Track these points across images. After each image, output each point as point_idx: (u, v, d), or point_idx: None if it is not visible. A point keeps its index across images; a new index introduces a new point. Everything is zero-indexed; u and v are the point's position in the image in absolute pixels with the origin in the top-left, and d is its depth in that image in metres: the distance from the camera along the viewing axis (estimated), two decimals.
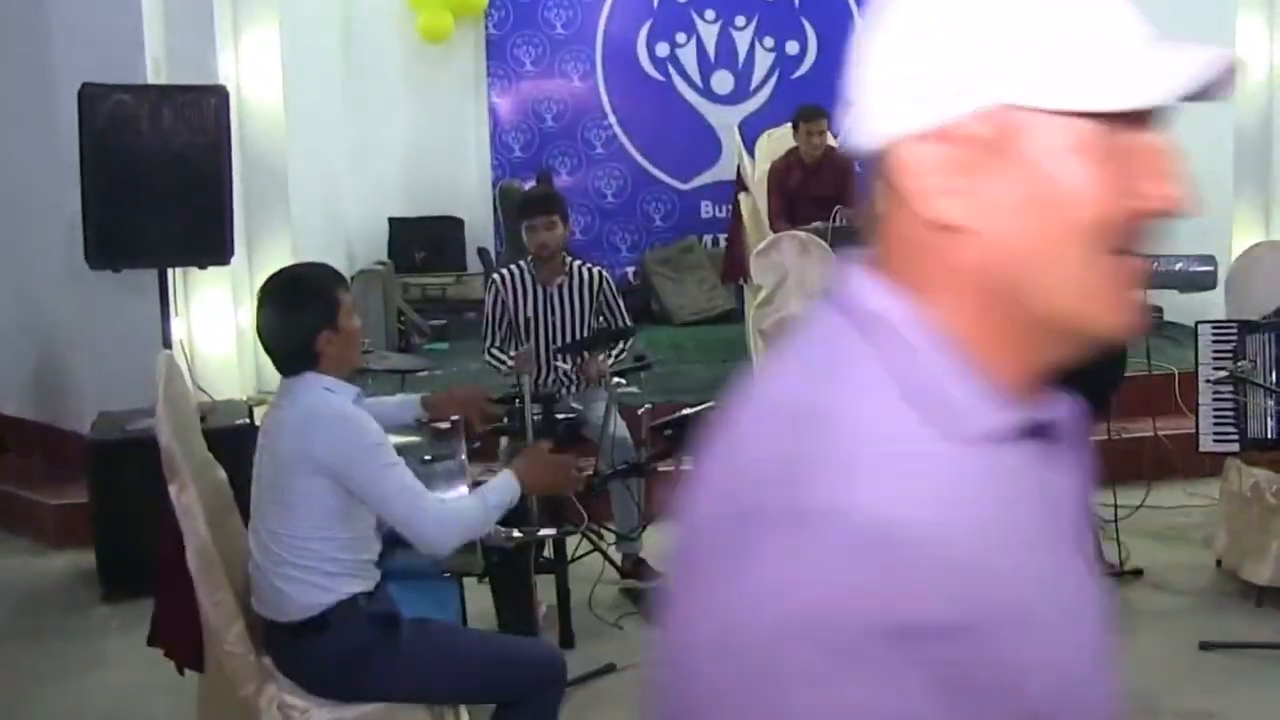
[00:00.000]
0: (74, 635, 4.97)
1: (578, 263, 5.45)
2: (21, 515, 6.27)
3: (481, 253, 9.38)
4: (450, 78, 9.59)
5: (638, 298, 9.46)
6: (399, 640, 3.01)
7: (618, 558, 5.23)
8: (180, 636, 3.09)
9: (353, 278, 8.02)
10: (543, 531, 3.65)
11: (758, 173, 7.98)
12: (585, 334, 5.36)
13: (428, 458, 3.38)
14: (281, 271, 3.12)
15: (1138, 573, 5.11)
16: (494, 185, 9.57)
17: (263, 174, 7.18)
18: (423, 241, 9.28)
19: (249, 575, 3.07)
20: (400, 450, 3.39)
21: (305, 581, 2.94)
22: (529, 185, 9.45)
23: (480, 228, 9.55)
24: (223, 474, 3.31)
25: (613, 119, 9.72)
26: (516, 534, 3.60)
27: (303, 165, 7.60)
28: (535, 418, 4.54)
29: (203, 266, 5.76)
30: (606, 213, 9.81)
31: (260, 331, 3.07)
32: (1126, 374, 6.66)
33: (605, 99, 9.70)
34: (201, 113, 5.50)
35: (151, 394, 2.97)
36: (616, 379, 4.90)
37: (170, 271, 5.77)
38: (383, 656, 2.99)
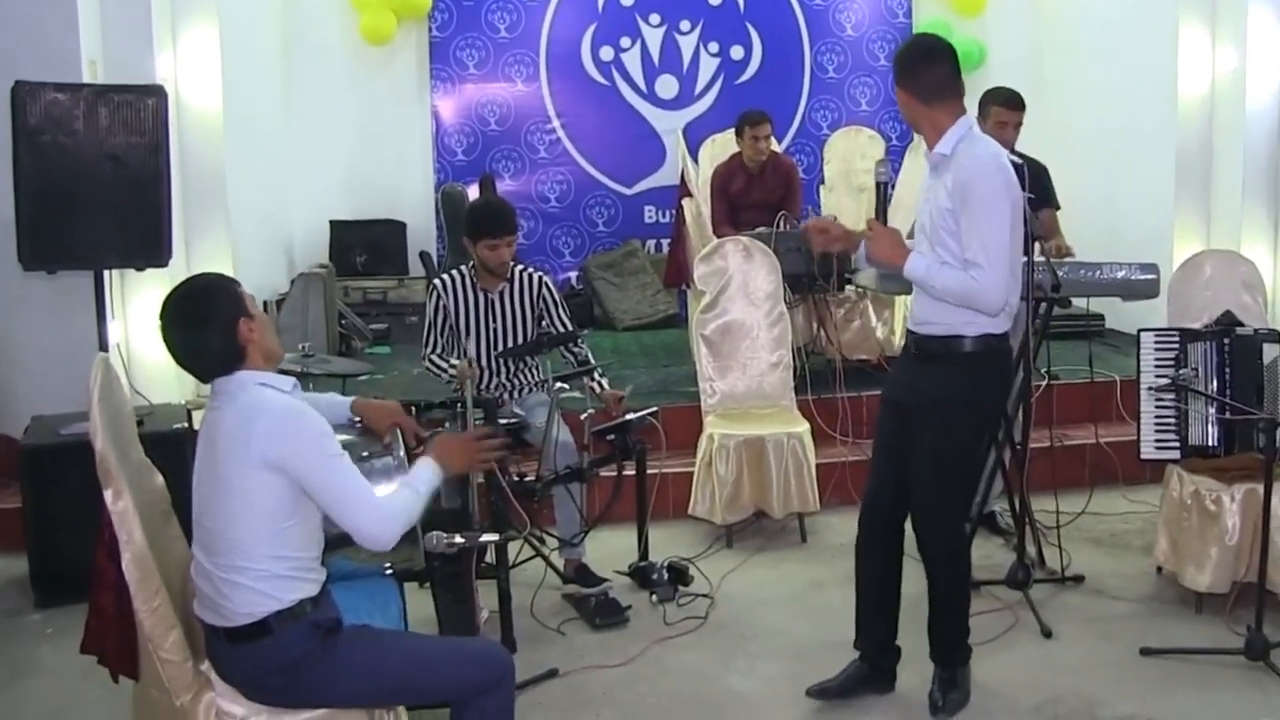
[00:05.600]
0: (5, 643, 4.87)
1: (519, 268, 5.42)
2: None
3: (423, 256, 9.32)
4: (393, 80, 9.53)
5: (580, 302, 9.47)
6: (340, 646, 2.98)
7: (560, 563, 5.21)
8: (113, 644, 3.03)
9: (293, 281, 7.96)
10: (484, 537, 3.60)
11: (701, 178, 8.00)
12: (527, 339, 5.34)
13: (365, 454, 3.35)
14: (174, 291, 3.07)
15: (1079, 579, 5.13)
16: (437, 189, 9.51)
17: (201, 176, 7.10)
18: (364, 245, 9.22)
19: (188, 580, 3.02)
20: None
21: (250, 587, 2.89)
22: (472, 189, 9.43)
23: (423, 231, 9.50)
24: (160, 479, 3.25)
25: (556, 123, 9.69)
26: (458, 539, 3.55)
27: (241, 167, 7.52)
28: (477, 422, 4.51)
29: (140, 268, 5.66)
30: (549, 217, 9.78)
31: (178, 348, 3.01)
32: (1065, 382, 6.77)
33: (549, 103, 9.67)
34: (139, 113, 5.41)
35: (86, 398, 2.91)
36: (559, 384, 4.87)
37: (107, 274, 5.67)
38: (323, 663, 2.95)
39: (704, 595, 5.11)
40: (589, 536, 5.23)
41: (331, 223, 9.26)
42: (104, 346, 5.53)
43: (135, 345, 6.70)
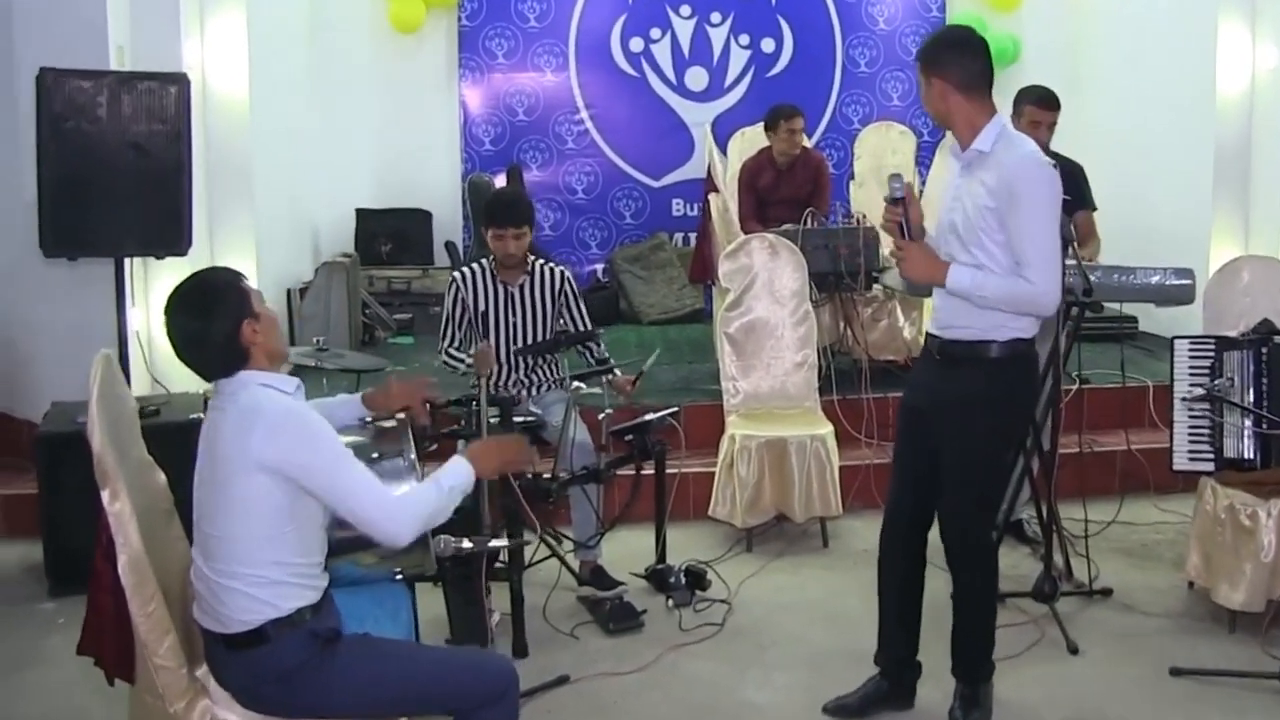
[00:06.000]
0: (16, 631, 4.84)
1: (540, 262, 5.35)
2: None
3: (449, 246, 9.26)
4: (421, 69, 9.47)
5: (606, 295, 9.40)
6: (338, 656, 2.91)
7: (576, 565, 5.14)
8: (110, 646, 2.97)
9: (316, 269, 7.91)
10: (493, 542, 3.54)
11: (730, 172, 7.90)
12: (546, 335, 5.27)
13: (375, 455, 3.28)
14: (179, 286, 3.01)
15: (1107, 592, 5.00)
16: (463, 178, 9.45)
17: (226, 163, 7.04)
18: (389, 234, 9.16)
19: (188, 583, 2.97)
20: (347, 448, 3.31)
21: (247, 593, 2.84)
22: (499, 179, 9.37)
23: (448, 221, 9.44)
24: (163, 478, 3.19)
25: (585, 114, 9.61)
26: (467, 544, 3.48)
27: (267, 155, 7.46)
28: (492, 420, 4.45)
29: (159, 257, 5.62)
30: (576, 209, 9.70)
31: (180, 345, 2.95)
32: (1097, 386, 6.64)
33: (578, 93, 9.59)
34: (162, 101, 5.38)
35: (91, 389, 2.85)
36: (576, 383, 4.80)
37: (129, 261, 5.64)
38: (321, 672, 2.89)
39: (721, 601, 5.02)
40: (606, 537, 5.16)
41: (357, 211, 9.20)
42: (123, 334, 5.50)
43: (157, 333, 6.66)
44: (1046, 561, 4.78)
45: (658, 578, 5.11)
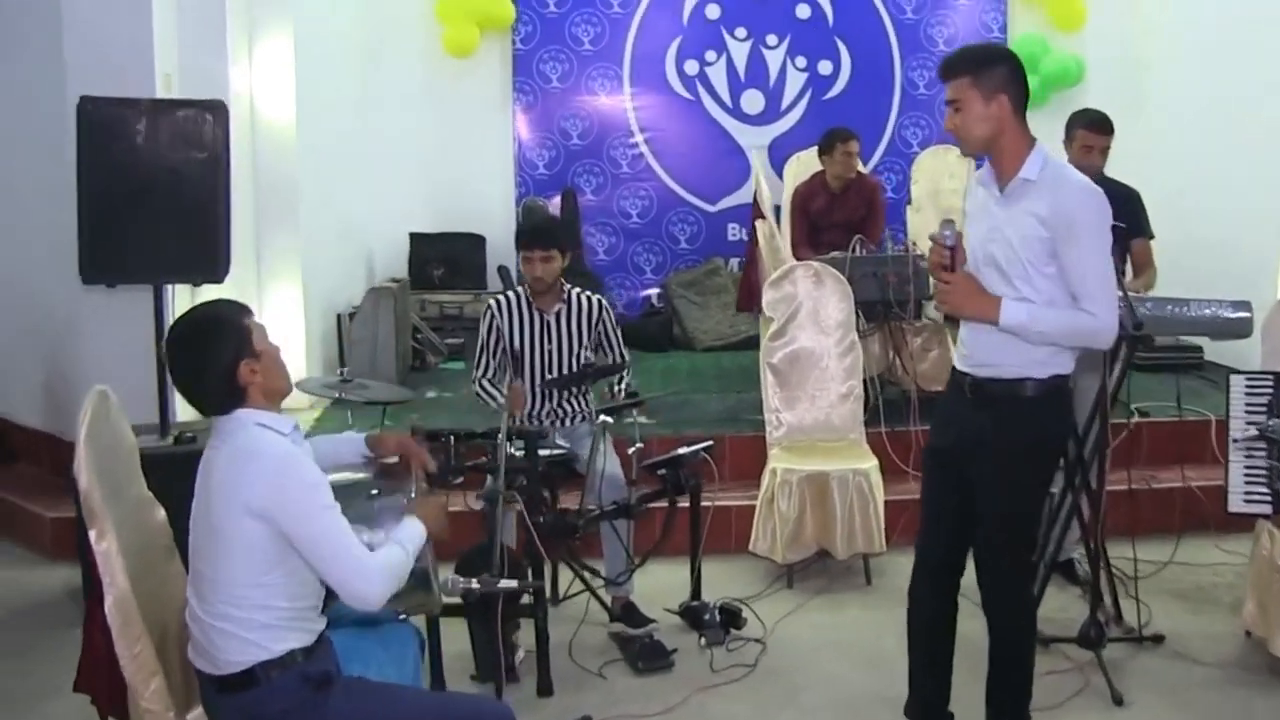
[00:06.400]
0: (50, 657, 4.80)
1: (576, 290, 5.27)
2: (22, 526, 6.19)
3: (502, 271, 9.21)
4: (475, 92, 9.43)
5: (660, 321, 9.31)
6: (331, 699, 2.84)
7: (609, 599, 5.03)
8: (104, 685, 2.93)
9: (365, 295, 7.89)
10: (502, 583, 3.44)
11: (784, 195, 7.78)
12: (580, 365, 5.18)
13: (374, 492, 3.22)
14: (180, 319, 2.96)
15: (1158, 639, 4.77)
16: (517, 202, 9.41)
17: (274, 188, 7.07)
18: (443, 258, 9.12)
19: (185, 624, 2.91)
20: (346, 485, 3.25)
21: (238, 635, 2.78)
22: (554, 203, 9.32)
23: (502, 245, 9.36)
24: (162, 514, 3.14)
25: (639, 137, 9.53)
26: (474, 584, 3.40)
27: (315, 179, 7.45)
28: (517, 454, 4.36)
29: (196, 284, 5.60)
30: (631, 233, 9.62)
31: (177, 381, 2.91)
32: (1155, 419, 6.42)
33: (632, 117, 9.51)
34: (200, 128, 5.36)
35: (79, 427, 2.80)
36: (604, 417, 4.69)
37: (171, 286, 5.64)
38: (312, 715, 2.82)
39: (756, 640, 4.89)
40: (642, 571, 5.04)
41: (411, 235, 9.19)
42: (162, 359, 5.49)
43: None
44: (1093, 605, 4.58)
45: (691, 615, 4.99)
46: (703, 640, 4.85)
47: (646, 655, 4.67)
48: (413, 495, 3.23)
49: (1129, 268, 5.44)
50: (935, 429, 3.87)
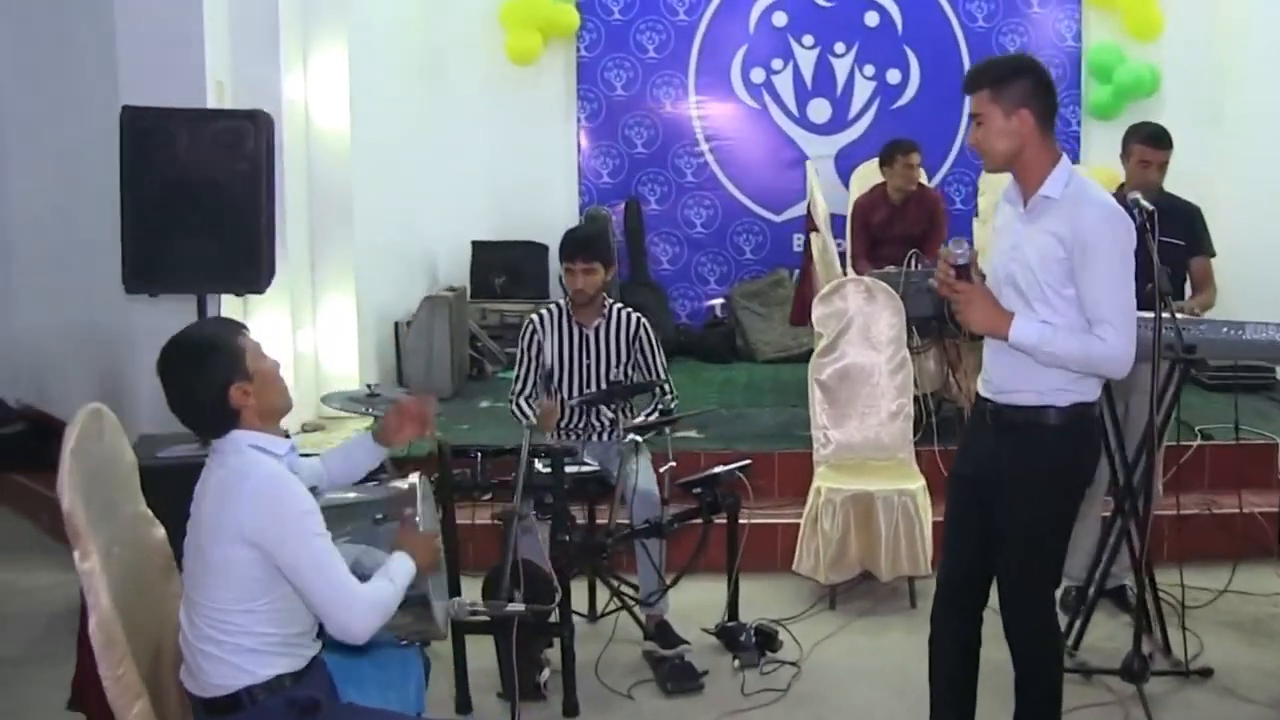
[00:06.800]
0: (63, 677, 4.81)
1: (618, 306, 5.20)
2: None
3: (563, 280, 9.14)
4: (538, 100, 9.38)
5: (723, 332, 9.21)
6: None
7: (647, 617, 4.95)
8: (95, 703, 2.89)
9: (420, 303, 7.88)
10: (510, 607, 3.36)
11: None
12: (619, 380, 5.11)
13: (379, 516, 3.17)
14: (170, 341, 2.91)
15: (1206, 673, 4.56)
16: (580, 211, 9.34)
17: (328, 196, 7.07)
18: (504, 266, 9.09)
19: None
20: (351, 504, 3.20)
21: (224, 660, 2.75)
22: (617, 210, 9.26)
23: None
24: (161, 533, 3.11)
25: (704, 146, 9.42)
26: (481, 608, 3.34)
27: (372, 187, 7.45)
28: (545, 470, 4.29)
29: (238, 294, 5.60)
30: (695, 243, 9.52)
31: (169, 403, 2.87)
32: (1218, 441, 6.18)
33: (697, 125, 9.41)
34: (242, 138, 5.34)
35: (65, 444, 2.77)
36: (633, 436, 4.61)
37: (219, 296, 5.66)
38: None
39: (791, 663, 4.78)
40: (683, 587, 4.94)
41: (474, 243, 9.17)
42: None
43: None
44: (1137, 636, 4.38)
45: (727, 635, 4.89)
46: (737, 662, 4.75)
47: (676, 677, 4.58)
48: (417, 517, 3.17)
49: (1187, 286, 5.26)
50: (959, 457, 3.74)
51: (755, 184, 9.45)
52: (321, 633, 2.97)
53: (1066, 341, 3.32)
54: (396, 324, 8.05)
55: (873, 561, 5.33)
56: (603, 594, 5.14)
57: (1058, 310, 3.35)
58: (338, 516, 3.12)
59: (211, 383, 2.82)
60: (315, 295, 7.14)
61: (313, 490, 3.22)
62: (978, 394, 3.63)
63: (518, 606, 3.36)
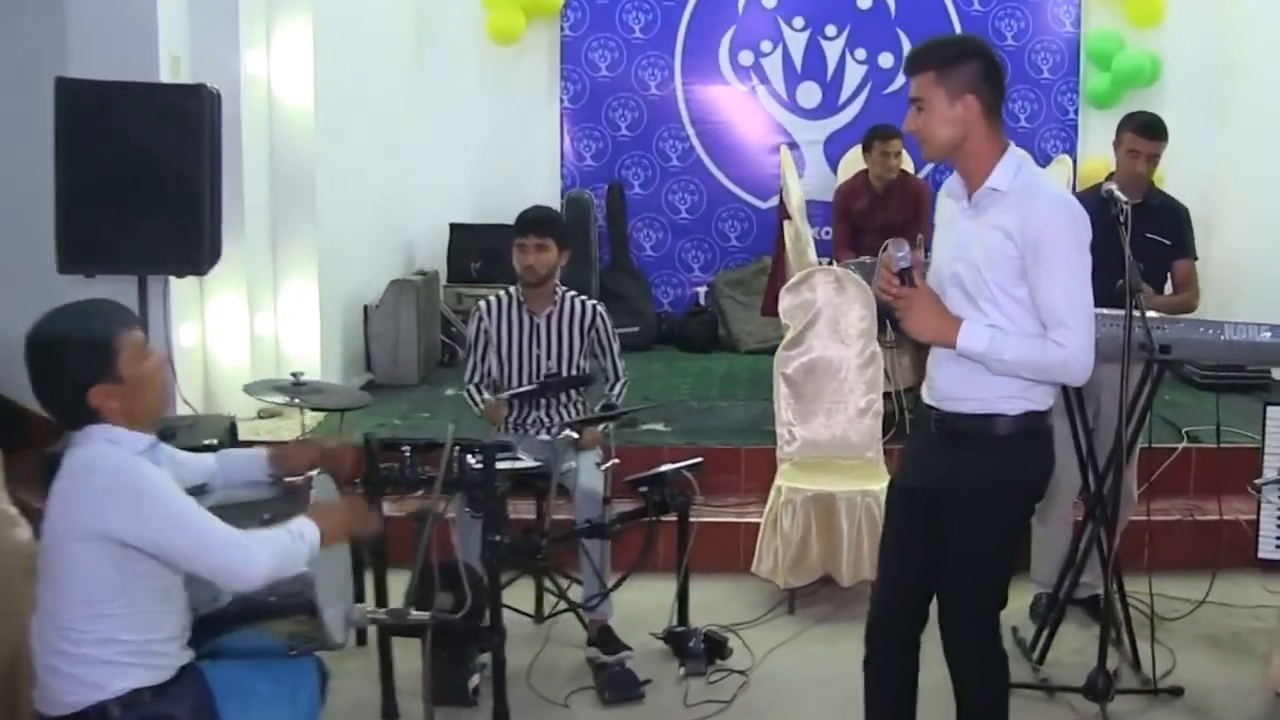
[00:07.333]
0: None
1: (571, 294, 4.98)
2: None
3: None
4: (520, 81, 9.12)
5: (704, 320, 8.99)
6: None
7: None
8: None
9: (387, 287, 7.67)
10: (413, 614, 3.14)
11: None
12: (572, 371, 4.89)
13: (266, 516, 2.95)
14: (40, 321, 2.70)
15: (1176, 692, 4.30)
16: (562, 195, 9.09)
17: (290, 176, 6.84)
18: (483, 251, 8.84)
19: None
20: (239, 507, 3.01)
21: (70, 674, 2.54)
22: (600, 196, 9.04)
23: None
24: (25, 533, 2.90)
25: (690, 130, 9.15)
26: (382, 614, 3.13)
27: (340, 168, 7.22)
28: (477, 466, 4.06)
29: (179, 275, 5.40)
30: (680, 229, 9.26)
31: (32, 389, 2.65)
32: (1204, 444, 5.94)
33: (683, 108, 9.14)
34: (187, 114, 5.14)
35: None
36: (568, 431, 4.38)
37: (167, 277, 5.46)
38: None
39: (739, 672, 4.56)
40: (633, 587, 4.73)
41: (451, 226, 8.94)
42: None
43: (212, 348, 6.50)
44: (1102, 652, 4.15)
45: (676, 641, 4.67)
46: (682, 670, 4.53)
47: (615, 685, 4.37)
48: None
49: (1168, 288, 5.03)
50: (901, 468, 3.48)
51: (742, 169, 9.18)
52: (196, 641, 2.77)
53: (1019, 347, 3.07)
54: (366, 307, 7.84)
55: (834, 565, 5.11)
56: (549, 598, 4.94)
57: (1009, 314, 3.10)
58: (229, 515, 2.93)
59: (71, 382, 2.62)
60: (276, 277, 6.93)
61: (200, 488, 3.04)
62: (924, 402, 3.38)
63: (421, 615, 3.15)
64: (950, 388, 3.21)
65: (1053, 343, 3.05)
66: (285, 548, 2.69)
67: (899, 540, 3.38)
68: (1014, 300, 3.09)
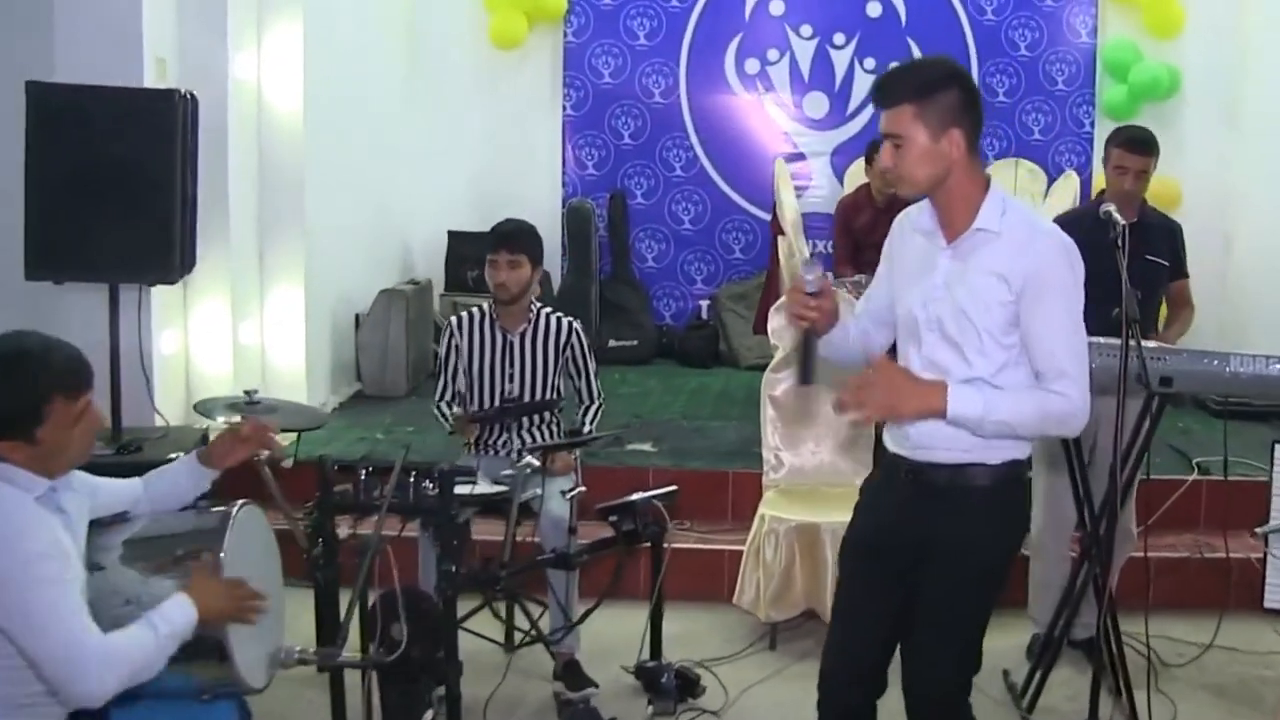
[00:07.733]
0: None
1: (546, 311, 4.81)
2: None
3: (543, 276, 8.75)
4: (522, 87, 8.95)
5: (705, 335, 8.81)
6: None
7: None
8: None
9: (376, 296, 7.52)
10: (344, 656, 2.97)
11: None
12: (546, 392, 4.71)
13: (180, 553, 2.80)
14: None
15: None
16: (563, 203, 8.92)
17: (278, 182, 6.68)
18: (479, 259, 8.63)
19: None
20: (155, 540, 2.83)
21: None
22: (602, 206, 8.87)
23: (545, 247, 8.88)
24: None
25: (695, 139, 8.96)
26: (310, 655, 2.95)
27: (332, 174, 7.07)
28: (431, 493, 3.88)
29: (150, 284, 5.26)
30: (682, 240, 9.07)
31: None
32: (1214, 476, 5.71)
33: (688, 117, 8.94)
34: (161, 119, 5.00)
35: None
36: (528, 458, 4.19)
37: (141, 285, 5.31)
38: None
39: (711, 712, 4.36)
40: (609, 616, 4.53)
41: (450, 233, 8.77)
42: (115, 362, 5.14)
43: (195, 356, 6.35)
44: (1093, 701, 3.95)
45: (646, 676, 4.47)
46: (650, 709, 4.33)
47: None
48: (222, 554, 2.77)
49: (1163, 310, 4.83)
50: (862, 521, 3.18)
51: (747, 180, 8.97)
52: None
53: (1017, 405, 2.82)
54: (357, 316, 7.68)
55: (818, 599, 4.90)
56: (522, 620, 4.76)
57: (994, 360, 2.88)
58: (141, 550, 2.77)
59: None
60: (263, 284, 6.77)
61: (122, 515, 2.87)
62: (891, 451, 3.12)
63: (352, 656, 2.97)
64: (924, 437, 2.95)
65: (1054, 395, 2.81)
66: (141, 656, 2.48)
67: (855, 599, 3.13)
68: (1003, 348, 2.87)
